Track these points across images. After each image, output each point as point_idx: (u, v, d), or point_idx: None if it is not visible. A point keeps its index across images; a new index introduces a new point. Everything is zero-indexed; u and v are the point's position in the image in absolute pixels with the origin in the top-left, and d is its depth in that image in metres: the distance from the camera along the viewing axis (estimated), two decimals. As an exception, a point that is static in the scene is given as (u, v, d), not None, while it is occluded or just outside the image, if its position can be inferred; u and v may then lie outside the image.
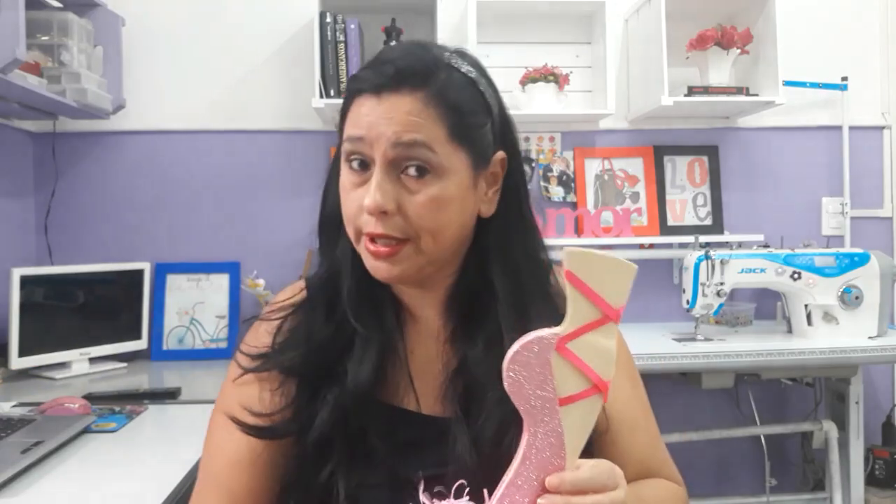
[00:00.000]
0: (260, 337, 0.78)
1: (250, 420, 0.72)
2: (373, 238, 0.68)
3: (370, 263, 0.70)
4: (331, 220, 0.77)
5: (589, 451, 0.63)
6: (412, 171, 0.67)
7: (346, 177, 0.71)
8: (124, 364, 2.03)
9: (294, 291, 0.81)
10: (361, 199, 0.68)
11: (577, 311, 0.58)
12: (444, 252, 0.71)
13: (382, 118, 0.67)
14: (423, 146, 0.67)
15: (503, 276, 0.73)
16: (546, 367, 0.57)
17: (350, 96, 0.72)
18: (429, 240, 0.69)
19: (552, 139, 2.37)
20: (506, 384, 0.58)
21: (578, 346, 0.58)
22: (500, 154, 0.74)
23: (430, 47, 0.73)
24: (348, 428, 0.70)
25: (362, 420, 0.70)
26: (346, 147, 0.70)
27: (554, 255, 0.77)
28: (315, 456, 0.70)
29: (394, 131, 0.66)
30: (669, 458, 0.83)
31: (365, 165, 0.69)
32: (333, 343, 0.73)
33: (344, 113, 0.73)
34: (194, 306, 2.20)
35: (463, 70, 0.72)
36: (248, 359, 0.75)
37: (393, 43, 2.12)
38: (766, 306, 2.36)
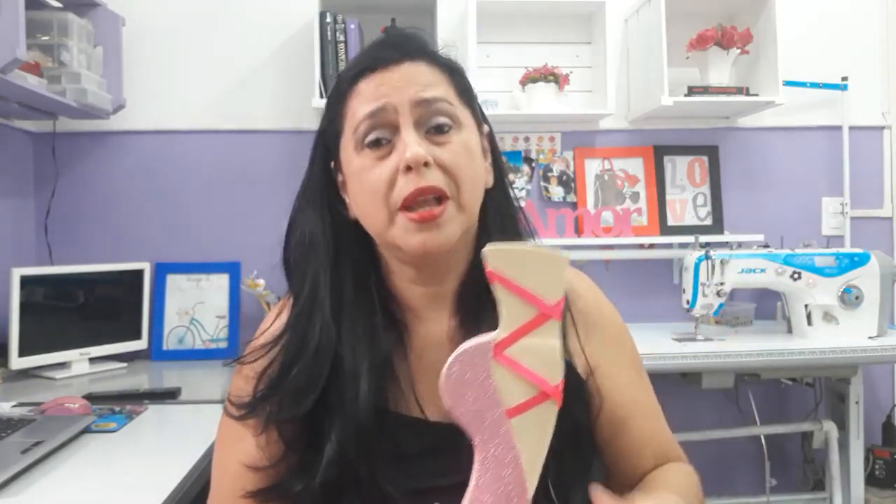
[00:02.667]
0: (242, 384, 0.75)
1: (253, 485, 0.71)
2: (412, 207, 0.66)
3: (414, 239, 0.67)
4: (304, 243, 0.74)
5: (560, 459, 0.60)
6: (435, 128, 0.69)
7: (362, 158, 0.69)
8: (124, 364, 2.03)
9: (279, 311, 0.78)
10: (390, 168, 0.67)
11: (509, 312, 0.53)
12: (476, 210, 0.71)
13: (399, 83, 0.68)
14: (443, 101, 0.69)
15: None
16: (486, 379, 0.53)
17: (346, 87, 0.71)
18: (468, 190, 0.69)
19: (552, 139, 2.37)
20: (445, 401, 0.53)
21: (518, 351, 0.53)
22: (487, 128, 0.77)
23: (413, 33, 0.76)
24: (355, 461, 0.67)
25: (368, 444, 0.68)
26: (361, 129, 0.68)
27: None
28: (324, 487, 0.68)
29: (415, 90, 0.68)
30: (671, 433, 0.83)
31: (379, 143, 0.68)
32: (314, 377, 0.70)
33: (338, 111, 0.72)
34: (194, 306, 2.20)
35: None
36: (234, 408, 0.73)
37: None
38: (766, 306, 2.36)
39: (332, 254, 0.73)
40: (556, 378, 0.54)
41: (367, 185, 0.68)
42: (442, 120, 0.69)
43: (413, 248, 0.67)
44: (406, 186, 0.66)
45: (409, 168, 0.66)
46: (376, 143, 0.68)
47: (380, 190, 0.67)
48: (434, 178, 0.66)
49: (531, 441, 0.54)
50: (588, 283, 0.84)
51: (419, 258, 0.70)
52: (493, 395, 0.53)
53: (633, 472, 0.78)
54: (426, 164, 0.66)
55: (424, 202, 0.66)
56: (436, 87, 0.70)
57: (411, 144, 0.66)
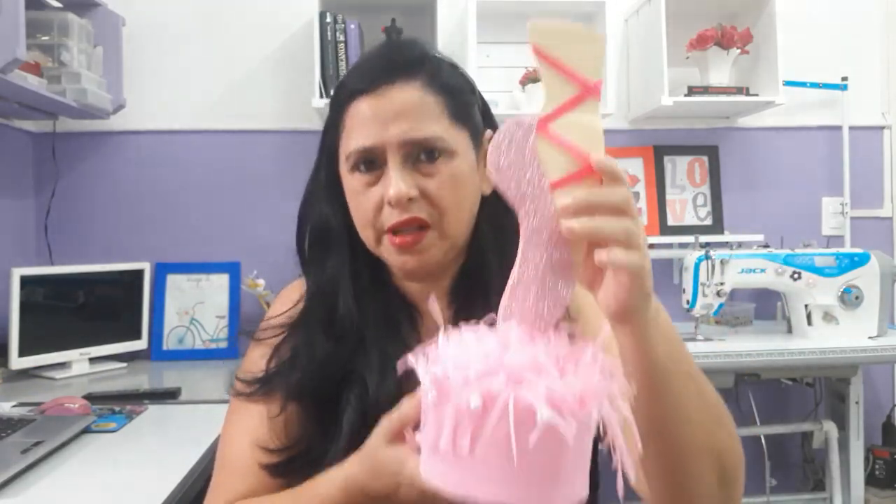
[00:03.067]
0: (255, 361, 0.77)
1: (268, 460, 0.72)
2: (396, 231, 0.70)
3: (396, 259, 0.72)
4: (320, 234, 0.78)
5: None
6: (424, 157, 0.70)
7: (355, 180, 0.72)
8: (124, 364, 2.03)
9: (291, 295, 0.81)
10: (378, 196, 0.70)
11: (552, 88, 0.53)
12: (463, 233, 0.74)
13: (386, 116, 0.69)
14: (432, 139, 0.70)
15: (496, 252, 0.75)
16: (531, 153, 0.53)
17: (343, 102, 0.73)
18: (452, 220, 0.71)
19: (552, 139, 2.37)
20: (491, 174, 0.54)
21: (561, 126, 0.53)
22: (489, 133, 0.77)
23: (412, 42, 0.76)
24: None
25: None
26: (352, 159, 0.71)
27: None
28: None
29: (402, 130, 0.69)
30: None
31: (372, 165, 0.71)
32: (336, 359, 0.73)
33: (337, 121, 0.74)
34: (194, 306, 2.20)
35: (442, 56, 0.76)
36: (245, 385, 0.75)
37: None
38: (766, 306, 2.36)
39: (349, 243, 0.77)
40: (598, 153, 0.53)
41: (356, 209, 0.73)
42: (429, 150, 0.71)
43: (396, 266, 0.74)
44: (391, 216, 0.70)
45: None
46: (367, 167, 0.71)
47: (367, 216, 0.71)
48: (418, 210, 0.70)
49: None
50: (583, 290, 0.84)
51: (405, 273, 0.76)
52: (537, 168, 0.54)
53: None
54: (410, 199, 0.69)
55: (408, 229, 0.70)
56: (426, 121, 0.70)
57: (395, 182, 0.68)
